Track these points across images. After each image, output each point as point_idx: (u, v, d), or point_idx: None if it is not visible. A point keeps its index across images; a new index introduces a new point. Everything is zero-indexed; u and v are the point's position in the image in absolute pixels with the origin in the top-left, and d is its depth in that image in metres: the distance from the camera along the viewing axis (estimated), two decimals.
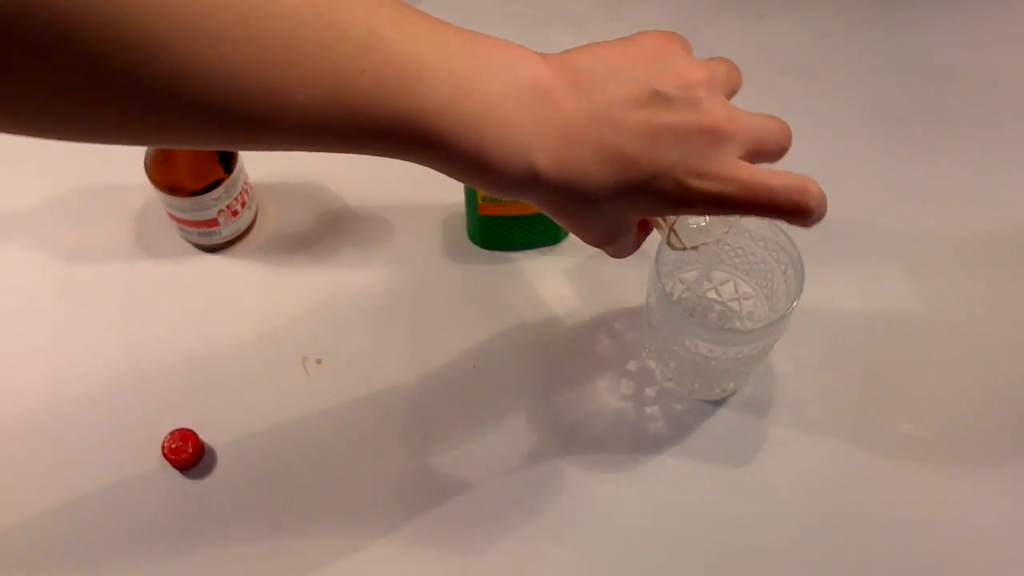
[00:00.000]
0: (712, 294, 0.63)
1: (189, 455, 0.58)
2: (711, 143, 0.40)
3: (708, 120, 0.40)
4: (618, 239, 0.45)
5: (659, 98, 0.39)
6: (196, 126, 0.34)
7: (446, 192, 0.67)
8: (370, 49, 0.35)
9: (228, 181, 0.63)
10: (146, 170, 0.63)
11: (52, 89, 0.31)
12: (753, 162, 0.41)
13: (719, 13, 0.80)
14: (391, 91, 0.35)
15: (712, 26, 0.79)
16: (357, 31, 0.35)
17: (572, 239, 0.68)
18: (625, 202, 0.41)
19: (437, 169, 0.39)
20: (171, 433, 0.58)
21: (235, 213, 0.65)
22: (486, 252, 0.67)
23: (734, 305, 0.63)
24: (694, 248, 0.48)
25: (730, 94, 0.43)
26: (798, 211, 0.40)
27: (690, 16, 0.80)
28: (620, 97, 0.39)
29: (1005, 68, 0.76)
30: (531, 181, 0.39)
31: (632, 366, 0.63)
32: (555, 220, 0.43)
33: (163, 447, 0.58)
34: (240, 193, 0.65)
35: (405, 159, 0.39)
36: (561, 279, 0.66)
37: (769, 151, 0.42)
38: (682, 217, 0.47)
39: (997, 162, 0.71)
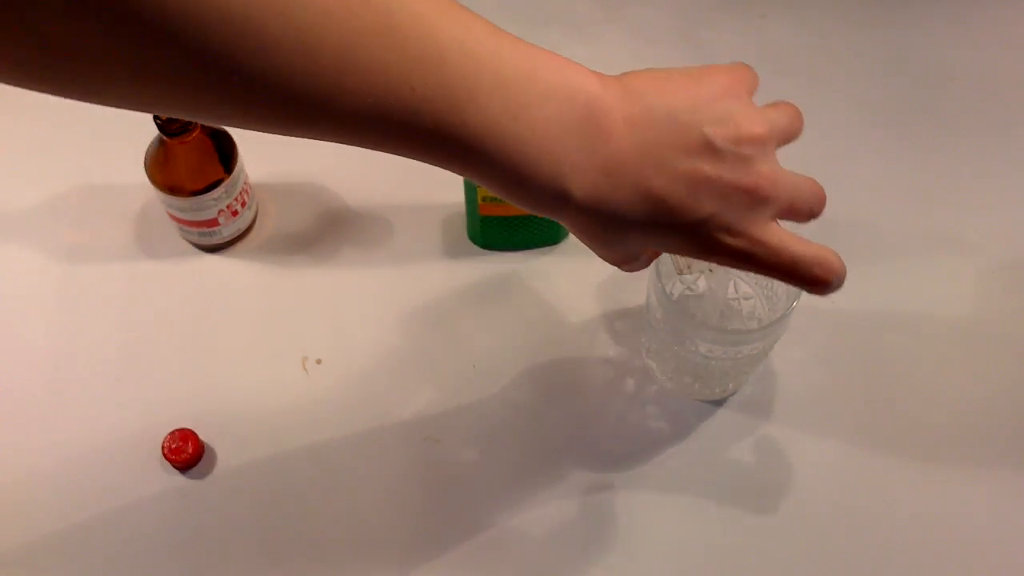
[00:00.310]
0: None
1: (189, 455, 0.58)
2: (749, 203, 0.40)
3: (751, 181, 0.39)
4: (634, 261, 0.45)
5: (710, 149, 0.39)
6: (221, 101, 0.33)
7: (446, 192, 0.67)
8: (425, 65, 0.34)
9: (228, 181, 0.63)
10: (146, 170, 0.63)
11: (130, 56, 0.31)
12: (782, 219, 0.42)
13: (719, 13, 0.80)
14: (438, 110, 0.35)
15: (712, 26, 0.79)
16: (416, 45, 0.34)
17: (572, 239, 0.68)
18: (651, 238, 0.41)
19: (468, 178, 0.39)
20: (171, 433, 0.58)
21: (235, 213, 0.65)
22: (486, 252, 0.67)
23: (734, 305, 0.63)
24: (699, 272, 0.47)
25: (786, 143, 0.43)
26: (815, 283, 0.41)
27: (690, 16, 0.80)
28: (672, 141, 0.39)
29: (1005, 68, 0.76)
30: (562, 205, 0.39)
31: (632, 366, 0.63)
32: (576, 236, 0.43)
33: (163, 447, 0.58)
34: (240, 193, 0.65)
35: (436, 166, 0.38)
36: (561, 279, 0.66)
37: (800, 213, 0.42)
38: None
39: (997, 162, 0.71)
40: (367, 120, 0.35)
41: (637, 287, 0.64)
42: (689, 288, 0.63)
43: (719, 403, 0.61)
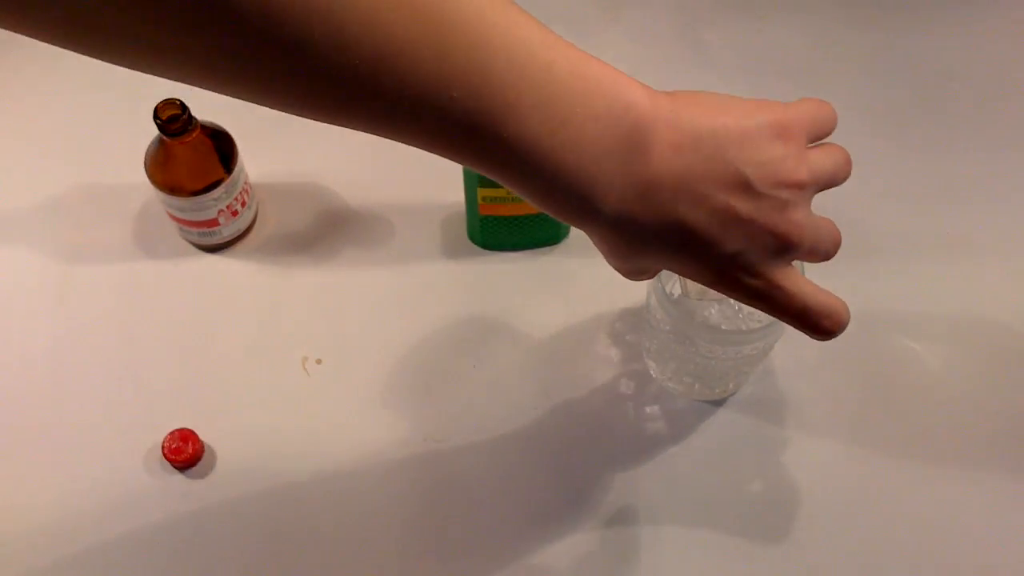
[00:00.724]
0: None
1: (189, 455, 0.58)
2: (776, 248, 0.40)
3: (783, 228, 0.39)
4: (644, 274, 0.45)
5: (748, 189, 0.38)
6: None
7: (446, 192, 0.67)
8: (468, 77, 0.33)
9: (228, 181, 0.63)
10: (146, 170, 0.63)
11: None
12: (800, 258, 0.42)
13: (719, 14, 0.80)
14: (475, 118, 0.34)
15: (712, 27, 0.79)
16: (462, 56, 0.33)
17: (572, 239, 0.68)
18: (670, 262, 0.41)
19: (497, 181, 0.38)
20: (171, 433, 0.58)
21: (235, 213, 0.65)
22: (486, 252, 0.67)
23: (734, 305, 0.62)
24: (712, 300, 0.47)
25: (828, 188, 0.43)
26: (819, 332, 0.42)
27: (690, 17, 0.80)
28: (712, 174, 0.38)
29: (1005, 68, 0.76)
30: (590, 220, 0.39)
31: (632, 366, 0.63)
32: (595, 244, 0.42)
33: (163, 447, 0.58)
34: (240, 193, 0.65)
35: (465, 165, 0.38)
36: (561, 279, 0.66)
37: (816, 256, 0.42)
38: None
39: (998, 162, 0.71)
40: (399, 118, 0.34)
41: (637, 287, 0.64)
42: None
43: (719, 403, 0.61)
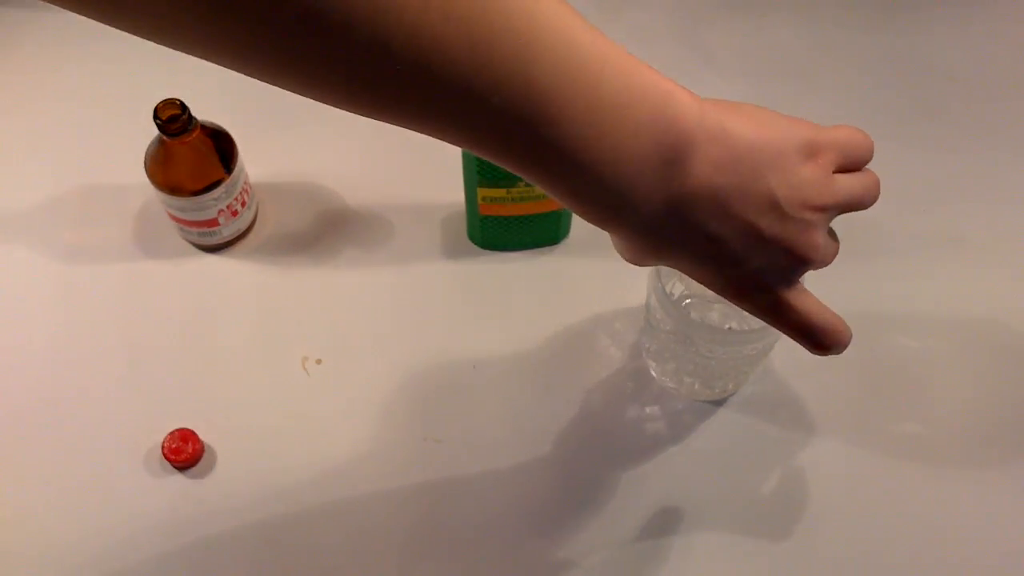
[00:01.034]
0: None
1: (189, 455, 0.58)
2: (792, 266, 0.40)
3: (802, 249, 0.40)
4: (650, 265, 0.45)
5: (776, 209, 0.39)
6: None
7: (446, 192, 0.67)
8: (511, 80, 0.32)
9: (228, 181, 0.63)
10: (146, 170, 0.63)
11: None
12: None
13: (719, 13, 0.80)
14: (512, 123, 0.33)
15: (712, 26, 0.79)
16: (506, 66, 0.32)
17: (572, 239, 0.68)
18: (685, 266, 0.41)
19: (530, 181, 0.37)
20: (171, 433, 0.58)
21: (235, 213, 0.65)
22: (486, 252, 0.67)
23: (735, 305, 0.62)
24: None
25: (853, 211, 0.43)
26: (819, 348, 0.43)
27: (690, 17, 0.80)
28: (747, 195, 0.38)
29: (1005, 68, 0.76)
30: (616, 225, 0.39)
31: (632, 366, 0.63)
32: (613, 242, 0.42)
33: (163, 447, 0.58)
34: (240, 193, 0.65)
35: (496, 163, 0.37)
36: (561, 279, 0.66)
37: (820, 266, 0.43)
38: None
39: (997, 162, 0.71)
40: (434, 119, 0.34)
41: (637, 287, 0.64)
42: (689, 288, 0.62)
43: (719, 403, 0.61)
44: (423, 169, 0.69)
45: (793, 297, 0.42)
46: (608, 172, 0.36)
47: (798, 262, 0.40)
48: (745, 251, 0.39)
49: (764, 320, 0.43)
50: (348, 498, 0.58)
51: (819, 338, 0.43)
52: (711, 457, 0.59)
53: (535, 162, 0.35)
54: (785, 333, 0.43)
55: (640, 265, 0.43)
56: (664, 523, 0.57)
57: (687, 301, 0.63)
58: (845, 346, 0.44)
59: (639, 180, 0.36)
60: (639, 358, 0.63)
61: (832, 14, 0.80)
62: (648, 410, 0.61)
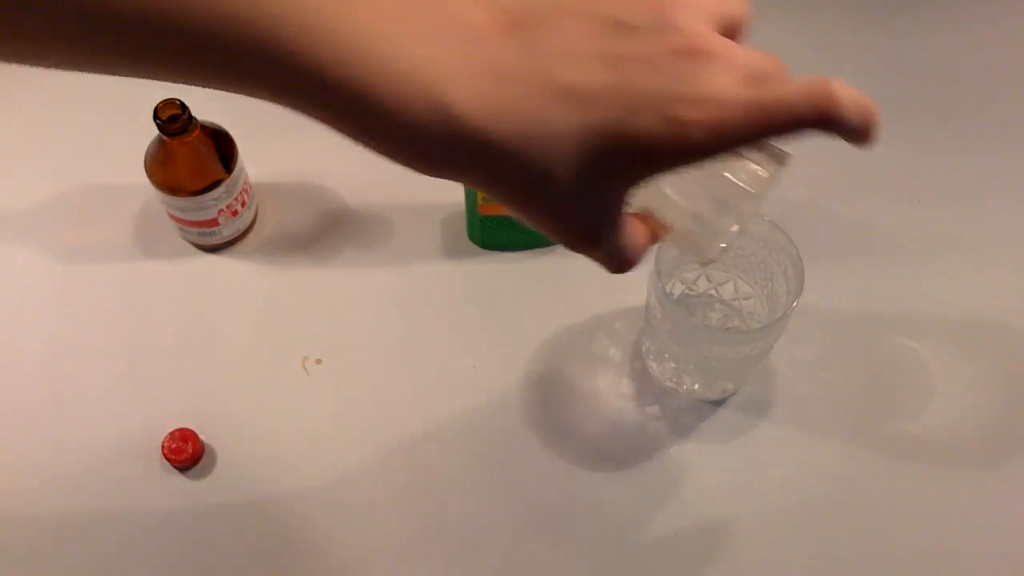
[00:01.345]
0: (712, 293, 0.63)
1: (189, 455, 0.58)
2: (694, 66, 0.31)
3: (683, 41, 0.31)
4: (603, 235, 0.36)
5: (622, 27, 0.31)
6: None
7: (446, 192, 0.67)
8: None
9: (228, 181, 0.63)
10: (146, 170, 0.63)
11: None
12: (733, 74, 0.33)
13: None
14: (254, 30, 0.28)
15: None
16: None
17: None
18: (598, 164, 0.31)
19: (306, 114, 0.31)
20: (171, 433, 0.58)
21: (235, 213, 0.65)
22: (486, 252, 0.67)
23: (735, 305, 0.63)
24: (723, 249, 0.40)
25: (726, 29, 0.34)
26: (825, 120, 0.32)
27: None
28: (572, 32, 0.31)
29: (1005, 68, 0.76)
30: (445, 130, 0.30)
31: (632, 366, 0.63)
32: (507, 206, 0.34)
33: (163, 447, 0.58)
34: (240, 193, 0.65)
35: (257, 97, 0.31)
36: (561, 279, 0.66)
37: (758, 78, 0.34)
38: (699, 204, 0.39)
39: (997, 162, 0.71)
40: (181, 58, 0.29)
41: (637, 287, 0.64)
42: (689, 288, 0.63)
43: (719, 403, 0.61)
44: None
45: (734, 92, 0.31)
46: (382, 48, 0.29)
47: (696, 58, 0.31)
48: (625, 81, 0.30)
49: (739, 144, 0.32)
50: (348, 497, 0.58)
51: (811, 111, 0.32)
52: (711, 457, 0.59)
53: (293, 75, 0.29)
54: (774, 137, 0.32)
55: (575, 227, 0.35)
56: (664, 523, 0.57)
57: (687, 301, 0.63)
58: (851, 99, 0.33)
59: (427, 52, 0.29)
60: (639, 358, 0.63)
61: (832, 14, 0.80)
62: (648, 410, 0.61)
